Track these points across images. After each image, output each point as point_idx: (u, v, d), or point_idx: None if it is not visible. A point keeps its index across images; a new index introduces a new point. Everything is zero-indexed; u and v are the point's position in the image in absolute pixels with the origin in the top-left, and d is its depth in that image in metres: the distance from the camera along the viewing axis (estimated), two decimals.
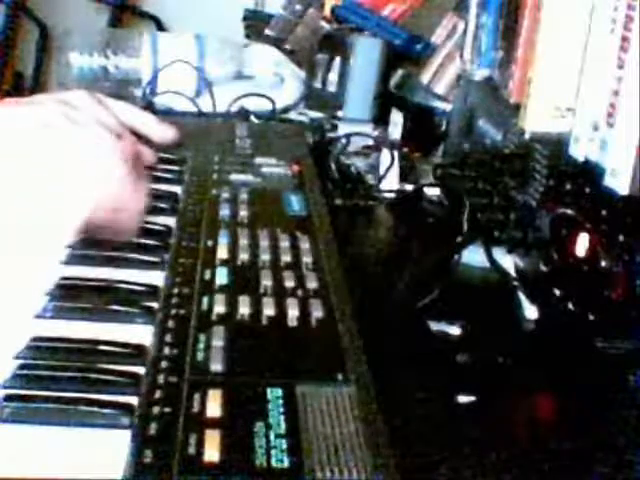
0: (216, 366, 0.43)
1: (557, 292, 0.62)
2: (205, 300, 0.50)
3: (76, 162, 0.51)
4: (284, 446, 0.37)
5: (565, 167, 0.64)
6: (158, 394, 0.40)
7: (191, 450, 0.36)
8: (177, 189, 0.69)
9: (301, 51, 1.28)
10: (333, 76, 1.14)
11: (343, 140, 0.97)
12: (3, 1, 2.24)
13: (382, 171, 0.92)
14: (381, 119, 1.08)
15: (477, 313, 0.64)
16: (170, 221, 0.62)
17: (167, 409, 0.39)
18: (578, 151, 0.63)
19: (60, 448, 0.38)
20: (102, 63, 1.16)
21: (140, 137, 0.70)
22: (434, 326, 0.62)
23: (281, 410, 0.40)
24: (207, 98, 1.11)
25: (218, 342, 0.45)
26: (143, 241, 0.57)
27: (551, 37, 0.65)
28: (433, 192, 0.86)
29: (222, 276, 0.53)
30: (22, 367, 0.43)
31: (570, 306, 0.61)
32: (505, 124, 0.75)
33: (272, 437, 0.38)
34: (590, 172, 0.60)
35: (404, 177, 0.93)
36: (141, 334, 0.47)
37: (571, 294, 0.61)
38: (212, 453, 0.36)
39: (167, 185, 0.70)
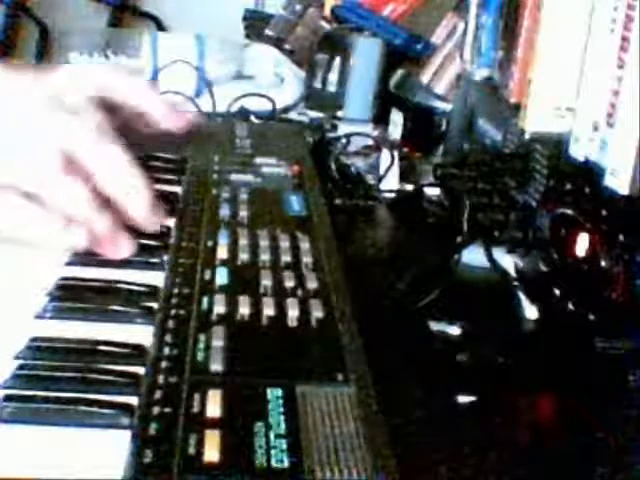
0: (216, 366, 0.43)
1: (557, 292, 0.62)
2: (205, 300, 0.50)
3: None
4: (284, 446, 0.37)
5: (565, 167, 0.64)
6: (158, 394, 0.40)
7: (191, 450, 0.36)
8: (177, 189, 0.69)
9: (301, 51, 1.28)
10: (333, 76, 1.14)
11: (343, 140, 0.97)
12: (3, 1, 2.24)
13: (382, 171, 0.92)
14: (381, 119, 1.08)
15: (477, 313, 0.64)
16: (170, 221, 0.62)
17: (167, 409, 0.39)
18: (578, 151, 0.63)
19: (60, 448, 0.38)
20: (102, 63, 1.16)
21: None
22: (434, 326, 0.62)
23: (281, 410, 0.40)
24: (207, 98, 1.11)
25: (218, 342, 0.45)
26: (143, 241, 0.57)
27: (551, 37, 0.65)
28: (433, 192, 0.86)
29: (222, 276, 0.53)
30: (22, 367, 0.43)
31: (570, 306, 0.61)
32: (505, 124, 0.75)
33: (272, 437, 0.38)
34: (590, 172, 0.60)
35: (404, 177, 0.93)
36: (141, 334, 0.47)
37: (571, 294, 0.61)
38: (212, 453, 0.36)
39: (167, 185, 0.70)
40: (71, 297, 0.51)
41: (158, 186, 0.69)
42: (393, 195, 0.90)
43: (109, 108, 0.60)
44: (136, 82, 0.66)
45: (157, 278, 0.54)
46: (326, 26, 1.25)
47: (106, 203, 0.55)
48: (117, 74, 0.65)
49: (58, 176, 0.53)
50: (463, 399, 0.54)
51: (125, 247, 0.56)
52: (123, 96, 0.63)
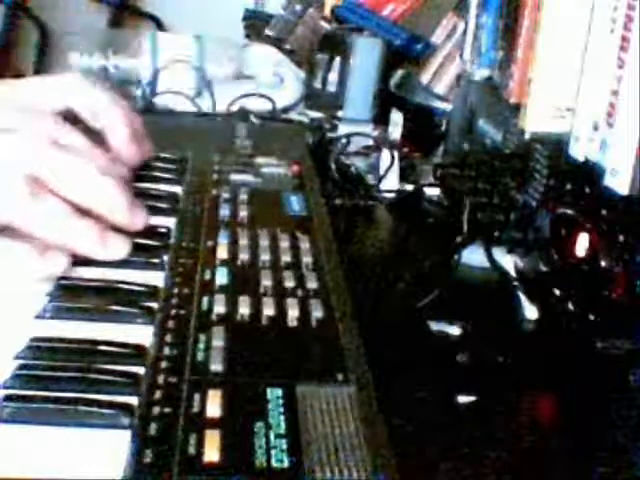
0: (216, 366, 0.43)
1: (557, 292, 0.62)
2: (205, 300, 0.50)
3: None
4: (284, 446, 0.37)
5: (565, 167, 0.64)
6: (158, 394, 0.40)
7: (191, 450, 0.36)
8: (177, 189, 0.69)
9: (301, 51, 1.28)
10: (333, 76, 1.14)
11: (343, 140, 0.97)
12: (3, 1, 2.23)
13: (382, 171, 0.92)
14: (381, 119, 1.08)
15: (477, 313, 0.64)
16: (170, 221, 0.62)
17: (167, 409, 0.39)
18: (578, 151, 0.63)
19: (60, 448, 0.38)
20: (102, 63, 1.16)
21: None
22: (434, 326, 0.62)
23: (281, 410, 0.40)
24: (207, 98, 1.11)
25: (218, 342, 0.45)
26: (143, 241, 0.57)
27: (551, 37, 0.65)
28: (433, 192, 0.86)
29: (222, 276, 0.53)
30: (22, 367, 0.43)
31: (570, 306, 0.61)
32: (505, 124, 0.75)
33: (272, 437, 0.38)
34: (590, 172, 0.60)
35: (404, 177, 0.93)
36: (141, 334, 0.47)
37: (571, 294, 0.61)
38: (212, 453, 0.36)
39: (167, 185, 0.70)
40: (71, 297, 0.51)
41: (158, 186, 0.69)
42: (393, 195, 0.90)
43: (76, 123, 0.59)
44: (101, 101, 0.62)
45: (157, 278, 0.54)
46: (326, 26, 1.25)
47: (86, 212, 0.54)
48: (85, 90, 0.62)
49: (27, 200, 0.51)
50: (463, 399, 0.54)
51: (119, 248, 0.55)
52: (85, 115, 0.61)
